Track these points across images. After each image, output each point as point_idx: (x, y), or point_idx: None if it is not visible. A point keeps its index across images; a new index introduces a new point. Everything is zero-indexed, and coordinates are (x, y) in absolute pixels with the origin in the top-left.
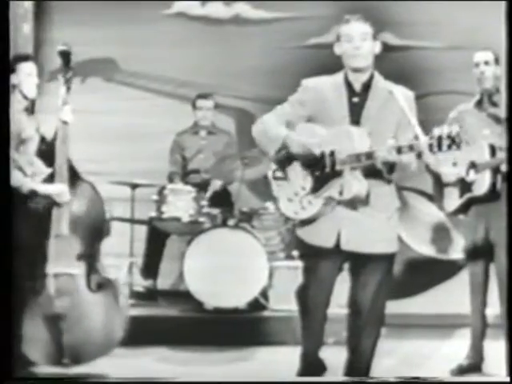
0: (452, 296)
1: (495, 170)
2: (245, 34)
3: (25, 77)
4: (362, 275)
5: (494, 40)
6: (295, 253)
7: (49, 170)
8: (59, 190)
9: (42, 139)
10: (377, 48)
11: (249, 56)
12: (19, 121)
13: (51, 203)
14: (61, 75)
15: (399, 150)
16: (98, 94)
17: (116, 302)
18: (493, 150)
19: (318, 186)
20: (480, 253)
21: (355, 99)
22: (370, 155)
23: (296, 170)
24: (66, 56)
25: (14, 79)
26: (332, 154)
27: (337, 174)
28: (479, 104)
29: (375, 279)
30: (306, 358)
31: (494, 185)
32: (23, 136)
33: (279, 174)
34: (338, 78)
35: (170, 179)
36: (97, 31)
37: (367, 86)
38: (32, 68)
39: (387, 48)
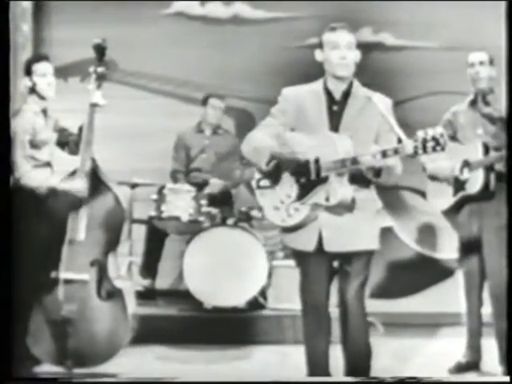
0: (447, 295)
1: (489, 169)
2: (244, 33)
3: (39, 78)
4: (347, 274)
5: (489, 41)
6: None
7: (73, 159)
8: (78, 185)
9: (63, 131)
10: (358, 57)
11: (248, 56)
12: (36, 123)
13: (69, 204)
14: (92, 69)
15: (384, 154)
16: None
17: (123, 313)
18: (486, 149)
19: (303, 193)
20: (474, 251)
21: (335, 107)
22: (355, 160)
23: (281, 178)
24: (99, 50)
25: (28, 81)
26: (317, 161)
27: (322, 181)
28: (473, 104)
29: (359, 277)
30: (312, 358)
31: (487, 183)
32: (40, 138)
33: (263, 183)
34: (318, 86)
35: (174, 177)
36: (95, 31)
37: (346, 94)
38: (47, 68)
39: (384, 48)
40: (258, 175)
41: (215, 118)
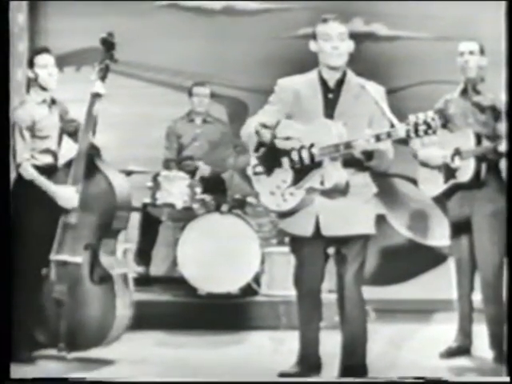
0: (439, 282)
1: (480, 159)
2: (236, 24)
3: (40, 69)
4: (345, 258)
5: (481, 31)
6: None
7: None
8: (68, 195)
9: (71, 121)
10: (351, 47)
11: (240, 46)
12: (36, 113)
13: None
14: (97, 62)
15: (378, 138)
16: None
17: (113, 299)
18: (478, 138)
19: (298, 178)
20: (465, 238)
21: (330, 95)
22: (348, 145)
23: (276, 164)
24: (106, 44)
25: (31, 73)
26: (311, 146)
27: (317, 166)
28: (464, 93)
29: (357, 261)
30: (305, 343)
31: (478, 173)
32: (41, 127)
33: (259, 169)
34: (312, 75)
35: (167, 166)
36: (90, 21)
37: (340, 83)
38: (47, 60)
39: (376, 38)
40: (253, 161)
41: (202, 105)
